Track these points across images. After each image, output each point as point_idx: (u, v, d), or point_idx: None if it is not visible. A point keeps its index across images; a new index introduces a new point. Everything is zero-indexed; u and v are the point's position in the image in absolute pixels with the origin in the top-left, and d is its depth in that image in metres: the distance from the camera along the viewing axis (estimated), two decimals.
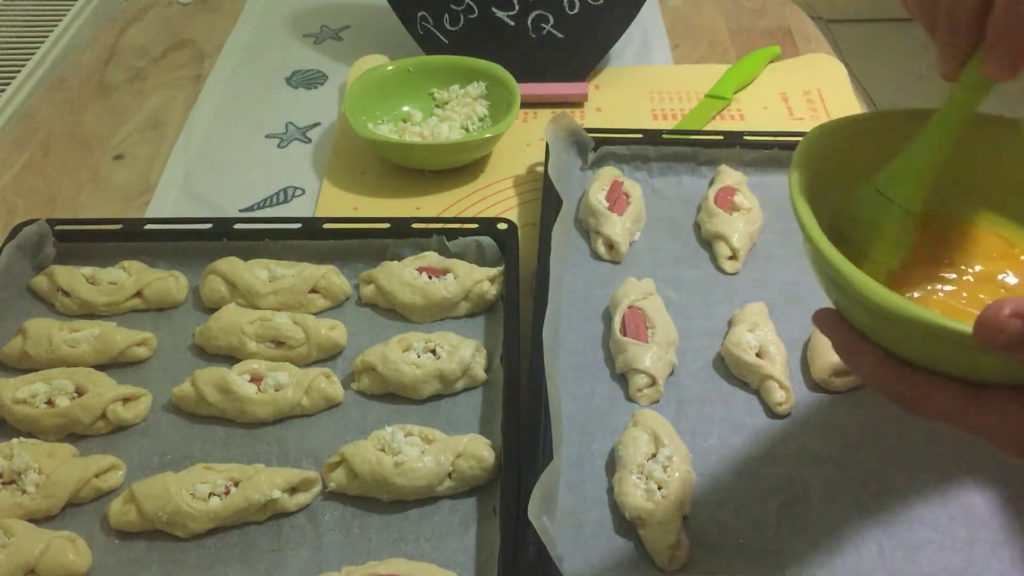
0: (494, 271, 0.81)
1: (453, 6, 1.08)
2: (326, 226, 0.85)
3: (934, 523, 0.64)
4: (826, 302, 0.46)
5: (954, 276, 0.48)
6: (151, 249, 0.84)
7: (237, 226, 0.85)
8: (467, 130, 1.03)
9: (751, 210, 0.87)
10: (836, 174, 0.49)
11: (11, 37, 1.27)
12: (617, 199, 0.87)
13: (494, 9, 1.08)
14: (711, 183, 0.92)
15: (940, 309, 0.46)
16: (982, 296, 0.47)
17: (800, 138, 0.49)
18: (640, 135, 0.95)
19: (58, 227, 0.84)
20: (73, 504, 0.67)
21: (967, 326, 0.34)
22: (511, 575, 0.59)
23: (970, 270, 0.48)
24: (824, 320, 0.43)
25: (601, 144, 0.94)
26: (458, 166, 0.99)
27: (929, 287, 0.47)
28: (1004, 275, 0.48)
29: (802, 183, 0.46)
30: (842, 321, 0.42)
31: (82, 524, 0.66)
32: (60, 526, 0.65)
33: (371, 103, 1.02)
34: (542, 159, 0.93)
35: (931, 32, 0.44)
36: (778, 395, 0.71)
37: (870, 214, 0.48)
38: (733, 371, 0.75)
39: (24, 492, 0.66)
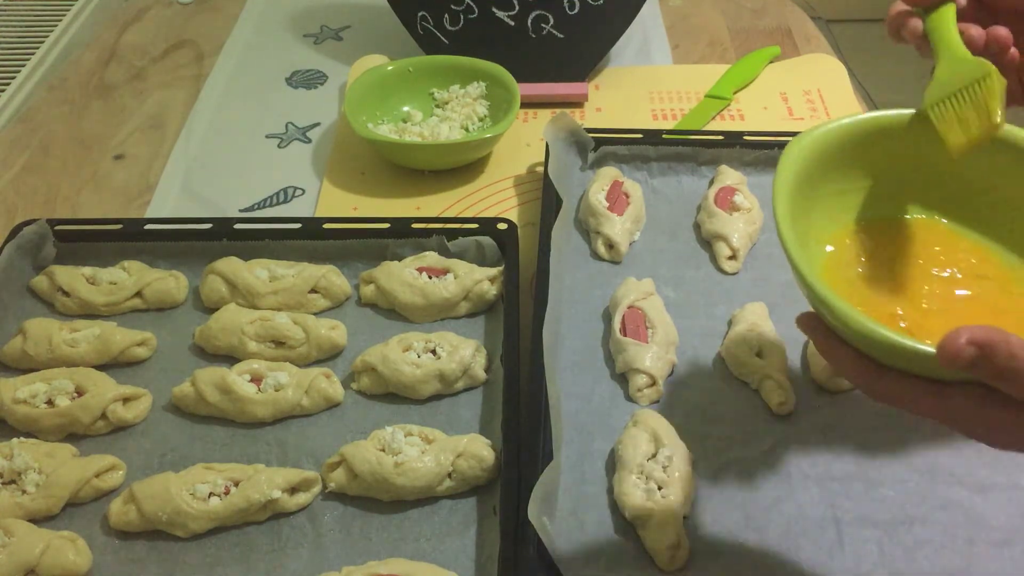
0: (494, 271, 0.81)
1: (453, 6, 1.08)
2: (326, 226, 0.85)
3: (934, 523, 0.64)
4: None
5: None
6: (151, 249, 0.84)
7: (237, 226, 0.85)
8: (467, 130, 1.03)
9: (751, 210, 0.87)
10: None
11: (11, 37, 1.27)
12: (617, 199, 0.87)
13: (494, 9, 1.08)
14: (711, 183, 0.92)
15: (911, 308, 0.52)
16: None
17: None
18: (640, 135, 0.94)
19: (58, 227, 0.84)
20: (73, 504, 0.67)
21: (931, 348, 0.41)
22: (511, 575, 0.59)
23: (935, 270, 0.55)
24: (807, 324, 0.49)
25: (601, 144, 0.94)
26: (458, 166, 0.99)
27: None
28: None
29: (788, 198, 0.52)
30: (822, 326, 0.48)
31: (82, 524, 0.66)
32: (60, 526, 0.65)
33: (371, 103, 1.02)
34: (542, 159, 0.93)
35: None
36: (778, 395, 0.71)
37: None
38: (733, 371, 0.75)
39: (24, 492, 0.66)
